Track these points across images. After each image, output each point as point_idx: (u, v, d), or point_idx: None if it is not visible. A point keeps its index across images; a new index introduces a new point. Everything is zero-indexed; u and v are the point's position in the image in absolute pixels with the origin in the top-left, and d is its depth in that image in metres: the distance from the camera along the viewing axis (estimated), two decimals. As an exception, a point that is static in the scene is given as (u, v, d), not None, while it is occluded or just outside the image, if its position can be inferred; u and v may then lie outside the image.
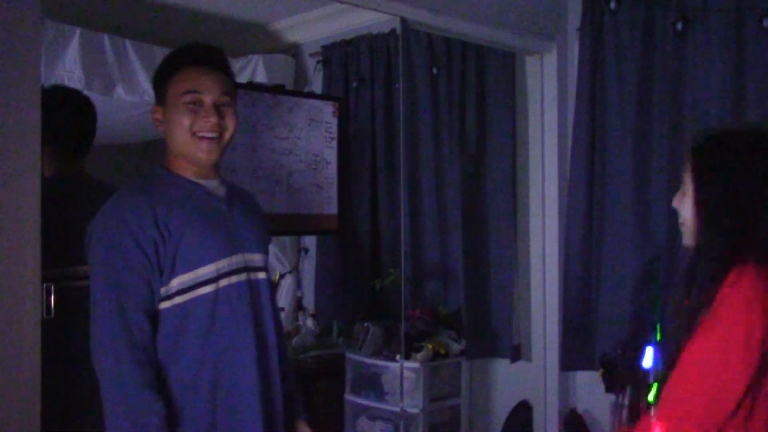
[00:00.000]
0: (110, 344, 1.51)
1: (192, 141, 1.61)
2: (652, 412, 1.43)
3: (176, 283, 1.56)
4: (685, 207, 1.50)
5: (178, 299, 1.57)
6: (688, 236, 1.51)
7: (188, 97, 1.60)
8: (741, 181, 1.44)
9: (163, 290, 1.56)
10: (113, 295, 1.52)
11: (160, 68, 1.68)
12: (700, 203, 1.47)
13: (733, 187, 1.44)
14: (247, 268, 1.67)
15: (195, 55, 1.64)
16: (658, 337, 1.60)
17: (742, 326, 1.32)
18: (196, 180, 1.66)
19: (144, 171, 1.70)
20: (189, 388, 1.57)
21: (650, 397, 1.47)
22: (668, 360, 1.44)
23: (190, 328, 1.58)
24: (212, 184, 1.69)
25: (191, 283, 1.57)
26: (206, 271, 1.58)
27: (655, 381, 1.49)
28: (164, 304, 1.57)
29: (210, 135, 1.61)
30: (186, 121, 1.60)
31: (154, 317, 1.56)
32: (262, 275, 1.71)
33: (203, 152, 1.62)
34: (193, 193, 1.64)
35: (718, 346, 1.34)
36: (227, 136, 1.65)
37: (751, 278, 1.36)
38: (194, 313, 1.58)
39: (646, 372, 1.56)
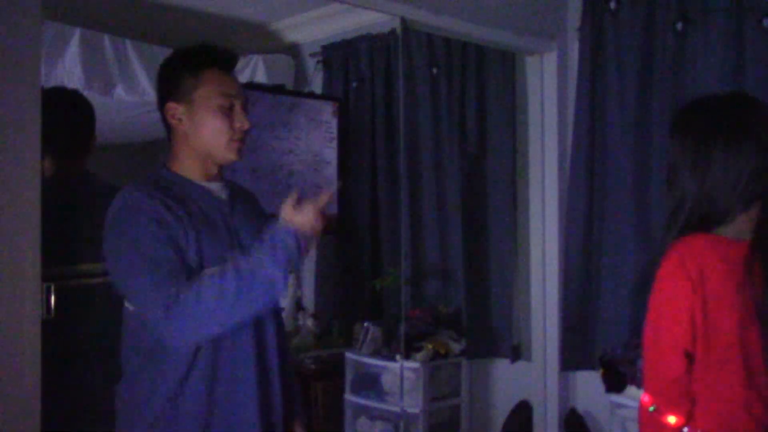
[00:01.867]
0: (170, 291, 1.46)
1: (226, 143, 1.64)
2: None
3: None
4: None
5: None
6: None
7: (224, 101, 1.63)
8: (687, 145, 1.47)
9: None
10: (151, 264, 1.48)
11: (178, 64, 1.66)
12: (666, 173, 1.53)
13: (682, 152, 1.48)
14: None
15: (220, 58, 1.67)
16: None
17: (667, 296, 1.39)
18: (201, 183, 1.66)
19: (145, 172, 1.69)
20: (197, 390, 1.57)
21: None
22: None
23: None
24: (216, 186, 1.69)
25: None
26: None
27: None
28: None
29: (242, 137, 1.67)
30: (221, 124, 1.62)
31: None
32: None
33: (235, 153, 1.66)
34: (198, 196, 1.64)
35: (654, 316, 1.43)
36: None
37: (685, 247, 1.40)
38: None
39: None
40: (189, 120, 1.63)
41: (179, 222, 1.54)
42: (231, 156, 1.66)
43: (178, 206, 1.56)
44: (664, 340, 1.40)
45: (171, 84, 1.64)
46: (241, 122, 1.65)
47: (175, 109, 1.63)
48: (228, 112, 1.63)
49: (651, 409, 1.41)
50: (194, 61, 1.65)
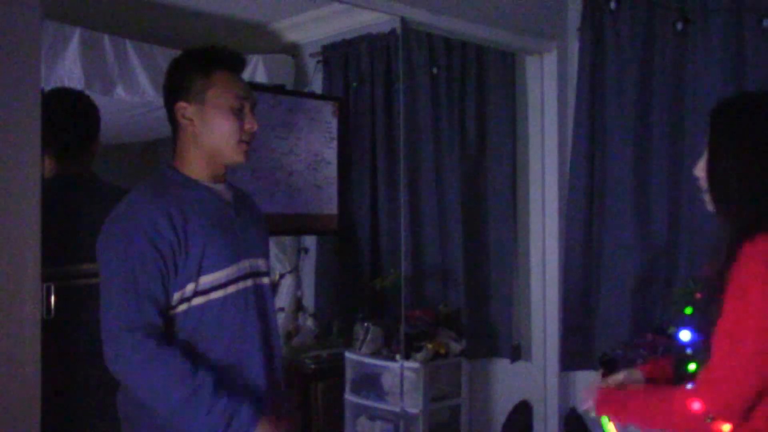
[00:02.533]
0: (128, 332, 1.48)
1: (235, 145, 1.64)
2: (689, 384, 1.43)
3: (189, 287, 1.56)
4: (703, 174, 1.48)
5: (190, 303, 1.57)
6: (709, 203, 1.49)
7: (236, 102, 1.64)
8: (750, 146, 1.41)
9: (177, 295, 1.56)
10: (129, 292, 1.50)
11: (189, 64, 1.66)
12: (710, 169, 1.45)
13: (741, 152, 1.41)
14: (254, 274, 1.68)
15: (230, 59, 1.68)
16: (689, 311, 1.59)
17: (762, 299, 1.32)
18: (208, 184, 1.66)
19: (150, 171, 1.69)
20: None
21: (691, 367, 1.47)
22: (704, 332, 1.44)
23: (201, 334, 1.57)
24: (221, 187, 1.69)
25: (203, 287, 1.57)
26: (217, 276, 1.58)
27: (694, 352, 1.48)
28: (180, 308, 1.56)
29: (249, 139, 1.67)
30: (232, 125, 1.63)
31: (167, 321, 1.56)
32: (266, 280, 1.73)
33: (243, 155, 1.67)
34: (204, 197, 1.64)
35: (738, 320, 1.34)
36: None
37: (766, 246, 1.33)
38: (204, 318, 1.58)
39: (683, 345, 1.55)
40: (200, 120, 1.63)
41: (179, 235, 1.53)
42: (239, 158, 1.66)
43: (183, 215, 1.56)
44: (755, 346, 1.33)
45: (181, 83, 1.64)
46: (251, 124, 1.66)
47: (186, 108, 1.63)
48: (239, 114, 1.64)
49: (708, 419, 1.35)
50: (205, 61, 1.65)
